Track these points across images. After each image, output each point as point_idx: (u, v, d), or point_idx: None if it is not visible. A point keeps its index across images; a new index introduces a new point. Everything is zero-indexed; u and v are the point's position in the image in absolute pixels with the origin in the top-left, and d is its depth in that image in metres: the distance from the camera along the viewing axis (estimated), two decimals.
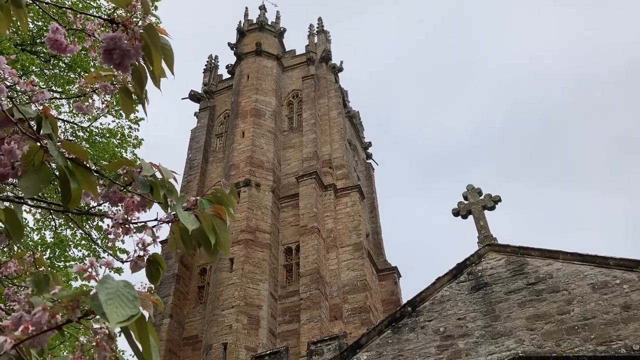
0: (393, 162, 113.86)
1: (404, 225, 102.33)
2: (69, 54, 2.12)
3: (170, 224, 1.91)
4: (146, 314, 1.30)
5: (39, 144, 1.78)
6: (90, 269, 1.50)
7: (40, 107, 1.95)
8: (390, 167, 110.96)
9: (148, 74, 1.98)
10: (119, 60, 1.78)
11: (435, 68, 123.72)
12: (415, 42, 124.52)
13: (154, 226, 1.95)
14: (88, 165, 1.82)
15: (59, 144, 1.80)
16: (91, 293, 1.23)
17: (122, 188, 1.92)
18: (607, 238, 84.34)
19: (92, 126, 13.34)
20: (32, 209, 12.37)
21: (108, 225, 1.97)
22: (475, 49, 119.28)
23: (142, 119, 14.38)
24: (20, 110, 1.81)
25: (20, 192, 2.14)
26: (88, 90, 2.09)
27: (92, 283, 1.46)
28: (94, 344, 1.28)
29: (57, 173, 1.78)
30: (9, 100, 1.85)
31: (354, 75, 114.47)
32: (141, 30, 1.80)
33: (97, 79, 2.04)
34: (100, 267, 1.55)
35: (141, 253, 1.86)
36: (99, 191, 1.92)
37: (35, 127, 1.85)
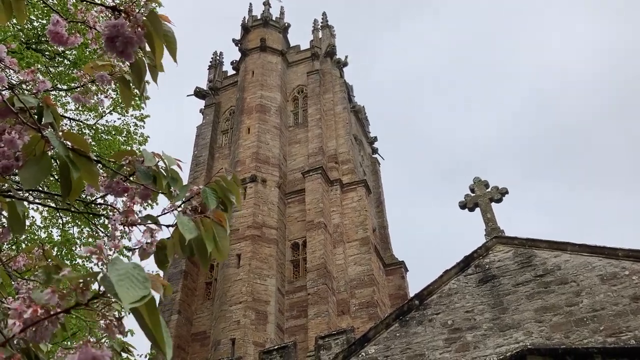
0: (413, 161, 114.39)
1: (413, 220, 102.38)
2: (70, 46, 2.10)
3: (170, 227, 1.89)
4: (156, 295, 1.30)
5: (40, 134, 1.77)
6: (98, 252, 1.50)
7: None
8: (409, 165, 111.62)
9: (147, 67, 1.96)
10: (122, 48, 1.76)
11: (465, 73, 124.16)
12: (447, 49, 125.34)
13: (158, 216, 1.93)
14: (89, 155, 1.81)
15: (60, 134, 1.79)
16: (101, 275, 1.24)
17: (124, 179, 1.90)
18: (633, 237, 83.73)
19: (98, 123, 13.37)
20: (39, 206, 12.41)
21: (108, 214, 1.95)
22: (504, 55, 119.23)
23: (147, 116, 14.37)
24: (20, 99, 1.79)
25: (19, 184, 2.13)
26: (86, 80, 2.08)
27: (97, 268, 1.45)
28: (104, 327, 1.28)
29: (58, 164, 1.76)
30: (9, 90, 1.84)
31: (389, 77, 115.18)
32: (144, 18, 1.78)
33: (95, 69, 2.02)
34: (110, 250, 1.54)
35: (149, 240, 1.85)
36: (102, 182, 1.91)
37: (36, 117, 1.84)
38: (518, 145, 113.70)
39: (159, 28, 1.76)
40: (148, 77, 1.98)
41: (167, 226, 1.84)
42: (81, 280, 1.27)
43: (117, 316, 1.32)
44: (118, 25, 1.69)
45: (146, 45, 1.84)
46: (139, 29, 1.71)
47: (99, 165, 2.07)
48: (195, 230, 1.71)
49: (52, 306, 1.27)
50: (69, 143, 1.76)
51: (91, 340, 1.26)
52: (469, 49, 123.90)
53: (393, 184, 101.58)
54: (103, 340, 1.32)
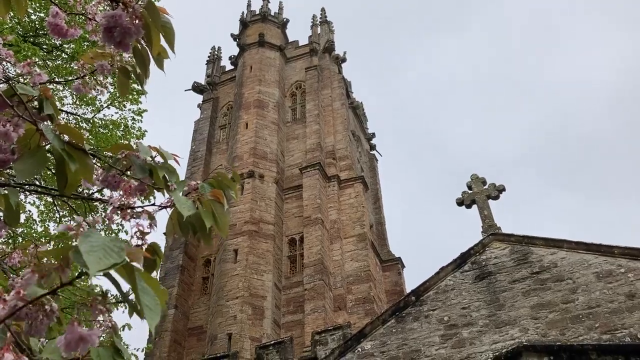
0: (422, 164, 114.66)
1: (411, 217, 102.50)
2: (70, 38, 2.09)
3: (168, 209, 1.88)
4: (137, 265, 1.28)
5: (35, 127, 1.76)
6: (76, 228, 1.48)
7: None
8: (417, 167, 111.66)
9: (151, 56, 1.95)
10: (120, 39, 1.75)
11: (486, 84, 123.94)
12: (471, 61, 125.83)
13: (153, 210, 1.92)
14: (84, 148, 1.80)
15: (55, 126, 1.78)
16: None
17: (121, 172, 1.89)
18: None
19: (96, 117, 13.34)
20: (35, 200, 12.39)
21: (105, 209, 1.96)
22: (526, 67, 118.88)
23: (145, 110, 14.34)
24: (20, 89, 1.78)
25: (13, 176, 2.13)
26: (86, 70, 2.06)
27: None
28: (88, 304, 1.27)
29: (54, 157, 1.76)
30: (6, 82, 1.83)
31: (413, 81, 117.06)
32: (142, 9, 1.77)
33: (95, 59, 2.01)
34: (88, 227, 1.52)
35: (139, 242, 1.84)
36: (98, 176, 1.90)
37: (34, 108, 1.83)
38: (535, 156, 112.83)
39: (156, 19, 1.76)
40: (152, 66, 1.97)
41: (165, 207, 1.83)
42: (61, 257, 1.26)
43: (101, 293, 1.30)
44: (116, 16, 1.69)
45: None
46: (137, 20, 1.70)
47: (95, 159, 2.06)
48: (192, 207, 1.71)
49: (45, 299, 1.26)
50: (65, 137, 1.76)
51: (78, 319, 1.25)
52: (491, 61, 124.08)
53: (397, 182, 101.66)
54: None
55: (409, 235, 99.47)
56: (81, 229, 1.44)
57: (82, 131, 1.86)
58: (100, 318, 1.34)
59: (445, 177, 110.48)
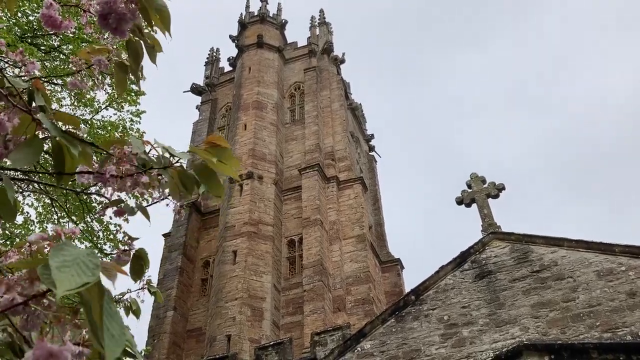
0: (428, 166, 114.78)
1: (411, 219, 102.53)
2: (64, 30, 2.06)
3: (168, 169, 1.82)
4: (109, 283, 1.14)
5: (31, 116, 1.72)
6: (52, 239, 1.38)
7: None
8: (420, 168, 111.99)
9: (144, 49, 1.92)
10: (116, 25, 1.72)
11: (495, 87, 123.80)
12: (489, 70, 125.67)
13: (147, 205, 1.89)
14: (81, 137, 1.77)
15: (50, 114, 1.75)
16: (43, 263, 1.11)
17: (115, 166, 1.85)
18: None
19: (94, 119, 13.32)
20: (34, 202, 12.35)
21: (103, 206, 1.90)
22: (544, 79, 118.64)
23: (143, 111, 14.32)
24: (9, 81, 1.75)
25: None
26: (82, 64, 2.03)
27: None
28: (56, 320, 1.17)
29: (51, 147, 1.72)
30: None
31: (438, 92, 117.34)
32: None
33: (92, 54, 1.97)
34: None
35: (126, 248, 1.80)
36: (94, 169, 1.87)
37: (26, 100, 1.80)
38: (548, 163, 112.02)
39: (151, 2, 1.72)
40: (146, 60, 1.94)
41: (165, 167, 1.74)
42: (29, 270, 1.15)
43: (72, 308, 1.20)
44: (110, 2, 1.66)
45: (143, 26, 1.80)
46: (132, 5, 1.67)
47: (92, 148, 2.02)
48: (188, 154, 1.62)
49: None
50: (60, 123, 1.73)
51: (49, 333, 1.15)
52: (501, 63, 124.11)
53: (397, 183, 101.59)
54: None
55: (408, 237, 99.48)
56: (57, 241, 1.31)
57: (80, 132, 1.81)
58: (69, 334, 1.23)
59: (445, 178, 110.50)
